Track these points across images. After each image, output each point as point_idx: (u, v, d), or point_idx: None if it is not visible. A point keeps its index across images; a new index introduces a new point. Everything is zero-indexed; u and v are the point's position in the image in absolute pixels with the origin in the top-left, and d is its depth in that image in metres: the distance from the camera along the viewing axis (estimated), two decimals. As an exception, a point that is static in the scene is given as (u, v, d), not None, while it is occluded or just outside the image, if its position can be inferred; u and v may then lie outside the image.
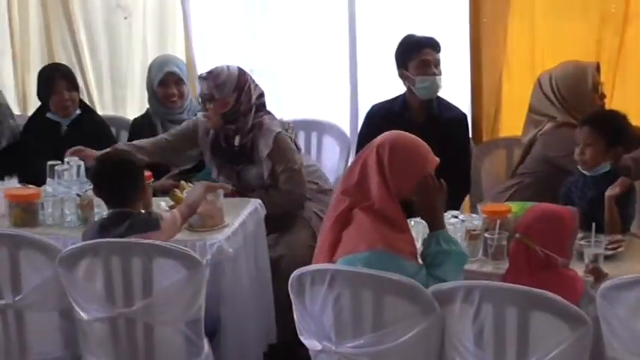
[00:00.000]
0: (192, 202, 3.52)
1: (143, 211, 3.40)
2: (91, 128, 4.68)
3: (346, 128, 4.93)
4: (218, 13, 5.19)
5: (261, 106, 4.22)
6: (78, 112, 4.71)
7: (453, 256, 3.02)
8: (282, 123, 4.26)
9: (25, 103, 5.54)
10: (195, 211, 3.53)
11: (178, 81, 4.68)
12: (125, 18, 5.31)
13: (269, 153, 4.12)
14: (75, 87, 4.72)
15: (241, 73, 4.18)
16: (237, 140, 4.17)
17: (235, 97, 4.13)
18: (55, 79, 4.69)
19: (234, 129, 4.16)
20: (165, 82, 4.66)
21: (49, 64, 5.05)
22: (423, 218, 3.11)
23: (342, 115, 5.00)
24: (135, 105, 5.32)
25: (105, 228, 3.25)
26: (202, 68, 5.09)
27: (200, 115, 4.34)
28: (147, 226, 3.22)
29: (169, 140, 4.34)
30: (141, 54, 5.30)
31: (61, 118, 4.70)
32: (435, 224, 3.07)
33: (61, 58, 5.32)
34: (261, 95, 4.23)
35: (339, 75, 5.02)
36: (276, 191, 4.17)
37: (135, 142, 4.32)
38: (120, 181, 3.29)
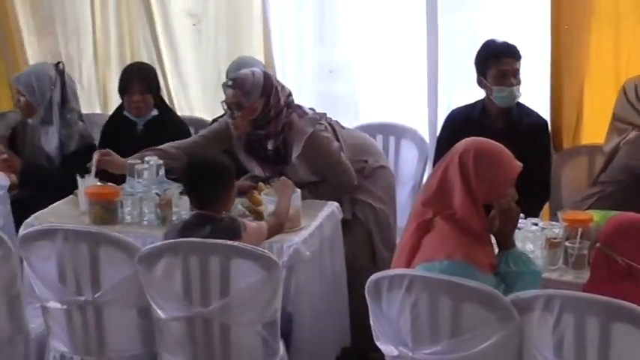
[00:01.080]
0: (279, 212, 3.52)
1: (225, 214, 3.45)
2: (167, 129, 4.73)
3: (424, 133, 4.91)
4: (295, 14, 5.21)
5: (290, 105, 4.14)
6: (155, 112, 4.78)
7: (524, 277, 2.99)
8: (312, 118, 4.15)
9: (105, 102, 5.66)
10: (284, 220, 3.51)
11: None
12: (194, 25, 5.38)
13: (300, 155, 4.08)
14: (150, 89, 4.76)
15: (267, 77, 4.10)
16: (270, 144, 4.12)
17: (263, 102, 4.04)
18: (130, 80, 4.77)
19: (264, 134, 4.09)
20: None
21: (131, 64, 5.14)
22: (494, 235, 3.09)
23: (420, 119, 4.97)
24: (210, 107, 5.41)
25: (187, 229, 3.28)
26: (281, 70, 5.17)
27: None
28: (227, 234, 3.21)
29: (202, 142, 4.32)
30: (213, 57, 5.38)
31: (136, 118, 4.79)
32: (505, 244, 3.05)
33: (142, 58, 5.42)
34: (290, 95, 4.15)
35: (418, 78, 4.98)
36: (325, 186, 4.16)
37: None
38: (210, 184, 3.31)
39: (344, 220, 4.11)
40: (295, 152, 4.08)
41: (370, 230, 4.24)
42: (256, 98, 4.03)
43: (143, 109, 4.78)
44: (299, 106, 4.18)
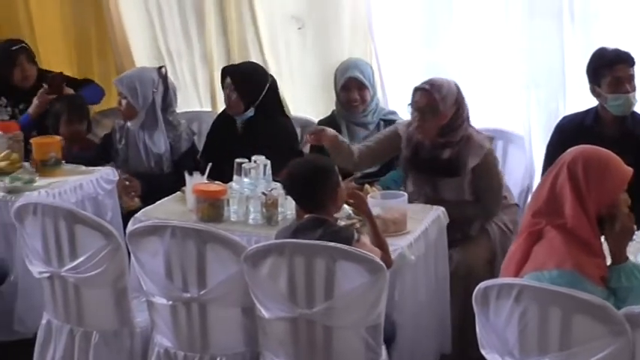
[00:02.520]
0: (382, 244, 3.44)
1: (339, 220, 3.46)
2: (265, 128, 4.79)
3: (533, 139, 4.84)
4: (401, 16, 5.19)
5: (469, 119, 4.22)
6: (251, 113, 4.83)
7: (637, 291, 2.91)
8: (488, 136, 4.25)
9: (214, 101, 5.75)
10: (387, 249, 3.46)
11: (360, 86, 4.72)
12: (299, 29, 5.42)
13: (475, 167, 4.12)
14: (240, 89, 4.81)
15: (458, 86, 4.18)
16: (446, 153, 4.16)
17: (454, 110, 4.14)
18: (223, 78, 4.88)
19: (443, 142, 4.17)
20: (347, 87, 4.73)
21: (236, 64, 5.21)
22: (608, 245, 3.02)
23: (523, 124, 4.90)
24: (314, 107, 5.45)
25: (299, 232, 3.30)
26: (387, 73, 5.17)
27: (400, 123, 4.40)
28: (337, 239, 3.18)
29: (373, 147, 4.40)
30: (317, 59, 5.41)
31: (236, 116, 4.85)
32: (618, 257, 2.97)
33: (249, 59, 5.47)
34: (468, 110, 4.22)
35: (522, 82, 4.91)
36: (476, 208, 4.20)
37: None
38: (311, 187, 3.33)
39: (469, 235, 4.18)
40: (471, 164, 4.11)
41: (495, 250, 4.23)
42: (450, 104, 4.12)
43: (234, 107, 4.85)
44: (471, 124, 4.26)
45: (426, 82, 4.16)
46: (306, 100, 5.51)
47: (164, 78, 4.97)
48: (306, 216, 3.37)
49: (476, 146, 4.14)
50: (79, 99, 5.34)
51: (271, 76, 4.98)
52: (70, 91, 5.44)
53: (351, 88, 4.73)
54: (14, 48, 5.41)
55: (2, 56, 5.39)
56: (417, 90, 4.17)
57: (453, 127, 4.14)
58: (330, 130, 4.29)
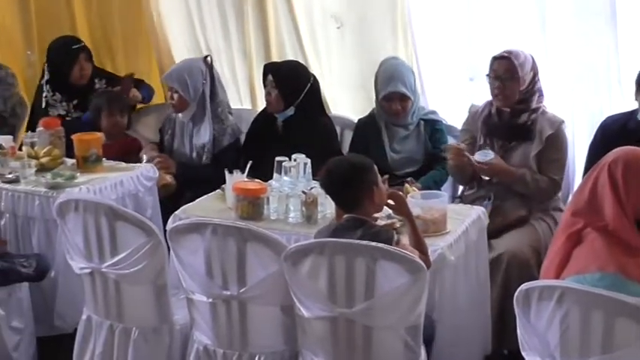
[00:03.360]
0: (421, 245, 3.45)
1: (379, 220, 3.46)
2: (306, 127, 4.80)
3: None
4: (441, 13, 5.17)
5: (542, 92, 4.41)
6: (291, 112, 4.85)
7: None
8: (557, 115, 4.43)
9: (254, 99, 5.77)
10: (427, 251, 3.46)
11: (403, 97, 4.71)
12: (338, 27, 5.42)
13: (548, 136, 4.29)
14: (279, 86, 4.84)
15: (532, 56, 4.40)
16: (523, 117, 4.36)
17: (531, 76, 4.36)
18: (265, 75, 4.91)
19: (521, 108, 4.37)
20: (389, 98, 4.72)
21: (278, 61, 5.23)
22: None
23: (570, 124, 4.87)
24: (353, 105, 5.45)
25: (338, 232, 3.30)
26: (426, 71, 5.15)
27: (471, 108, 4.52)
28: (376, 240, 3.18)
29: (470, 142, 4.50)
30: (356, 58, 5.41)
31: (276, 114, 4.88)
32: None
33: (288, 57, 5.51)
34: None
35: (569, 81, 4.89)
36: (542, 176, 4.33)
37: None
38: (348, 185, 3.33)
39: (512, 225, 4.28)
40: (547, 131, 4.31)
41: (540, 233, 4.29)
42: (527, 71, 4.35)
43: (274, 104, 4.87)
44: None
45: (503, 51, 4.37)
46: (345, 99, 5.51)
47: (210, 67, 5.04)
48: (346, 216, 3.37)
49: (551, 118, 4.37)
50: (117, 94, 5.44)
51: (313, 76, 4.99)
52: (136, 92, 5.60)
53: (394, 100, 4.72)
54: (75, 47, 5.55)
55: (63, 54, 5.51)
56: (495, 59, 4.38)
57: (531, 93, 4.36)
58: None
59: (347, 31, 5.42)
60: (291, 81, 4.89)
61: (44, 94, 5.52)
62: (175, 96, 5.00)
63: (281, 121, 4.93)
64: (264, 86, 4.96)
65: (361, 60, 5.37)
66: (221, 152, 4.97)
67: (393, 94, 4.69)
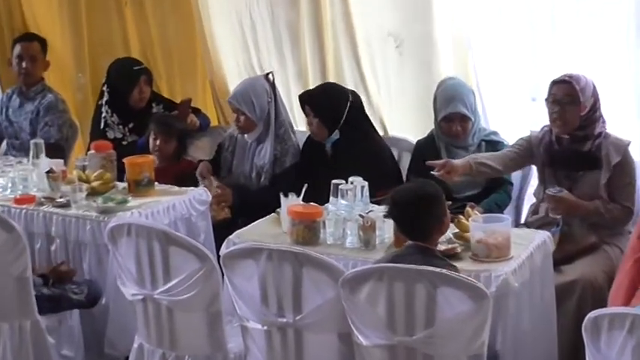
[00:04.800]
0: None
1: (439, 244, 3.44)
2: (354, 148, 4.82)
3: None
4: (501, 31, 5.15)
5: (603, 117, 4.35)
6: (336, 136, 4.88)
7: None
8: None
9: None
10: None
11: (463, 117, 4.69)
12: (397, 47, 5.41)
13: (617, 164, 4.23)
14: (320, 114, 4.88)
15: (593, 81, 4.34)
16: (586, 146, 4.29)
17: (592, 102, 4.30)
18: (302, 105, 4.97)
19: (583, 135, 4.31)
20: (449, 119, 4.69)
21: (311, 89, 5.28)
22: None
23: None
24: (412, 126, 5.42)
25: (399, 260, 3.29)
26: (487, 90, 5.12)
27: (532, 132, 4.46)
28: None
29: (513, 156, 4.49)
30: (415, 77, 5.39)
31: (322, 141, 4.91)
32: None
33: (344, 76, 5.54)
34: None
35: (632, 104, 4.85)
36: (615, 204, 4.27)
37: (480, 155, 4.48)
38: (417, 216, 3.34)
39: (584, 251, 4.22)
40: (615, 158, 4.25)
41: (612, 258, 4.23)
42: (588, 97, 4.29)
43: (318, 134, 4.92)
44: None
45: (564, 75, 4.31)
46: (403, 120, 5.50)
47: (273, 85, 5.07)
48: (407, 243, 3.37)
49: (615, 142, 4.30)
50: (169, 118, 5.46)
51: (352, 93, 5.00)
52: (194, 118, 5.65)
53: (454, 121, 4.70)
54: (136, 68, 5.61)
55: (124, 75, 5.57)
56: (555, 83, 4.32)
57: (592, 120, 4.28)
58: (456, 162, 4.33)
59: (406, 49, 5.41)
60: (328, 106, 4.92)
61: (103, 115, 5.58)
62: (242, 118, 5.03)
63: (329, 146, 4.94)
64: (305, 116, 4.97)
65: (420, 79, 5.36)
66: (282, 173, 4.98)
67: (453, 114, 4.67)
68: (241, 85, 5.21)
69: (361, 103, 5.04)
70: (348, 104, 4.91)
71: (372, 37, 5.51)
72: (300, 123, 5.76)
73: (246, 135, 5.09)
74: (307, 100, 4.97)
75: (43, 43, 5.82)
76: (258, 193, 4.94)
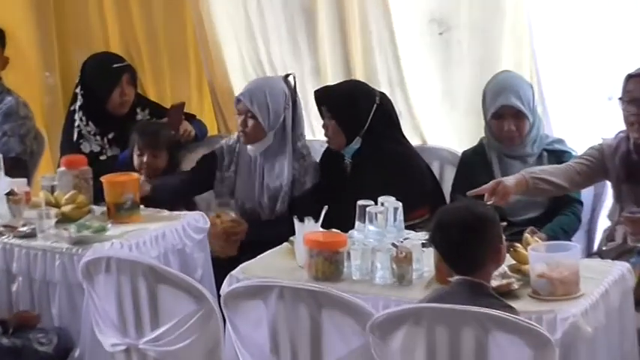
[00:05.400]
0: None
1: (493, 280, 3.47)
2: (378, 161, 4.84)
3: None
4: (567, 23, 5.16)
5: None
6: (356, 145, 4.91)
7: None
8: None
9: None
10: None
11: (518, 114, 4.71)
12: (440, 33, 5.43)
13: None
14: (339, 116, 4.90)
15: None
16: None
17: None
18: (318, 104, 5.01)
19: None
20: (500, 116, 4.71)
21: (330, 85, 5.30)
22: None
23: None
24: (458, 133, 5.47)
25: (441, 299, 3.30)
26: (551, 91, 5.14)
27: (604, 140, 4.49)
28: None
29: (581, 171, 4.49)
30: (463, 72, 5.43)
31: (339, 150, 4.95)
32: None
33: (376, 71, 5.56)
34: None
35: None
36: None
37: (539, 169, 4.48)
38: (467, 244, 3.33)
39: None
40: None
41: None
42: None
43: (334, 140, 4.96)
44: None
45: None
46: (448, 125, 5.54)
47: (293, 90, 5.09)
48: (455, 278, 3.37)
49: None
50: (156, 126, 5.51)
51: (380, 94, 5.03)
52: (188, 126, 5.68)
53: (506, 117, 4.73)
54: (117, 66, 5.64)
55: (101, 74, 5.62)
56: (630, 77, 4.33)
57: None
58: (509, 182, 4.31)
59: (453, 39, 5.44)
60: (348, 107, 4.95)
61: (76, 123, 5.61)
62: (250, 122, 5.02)
63: (349, 157, 4.97)
64: (321, 118, 5.02)
65: (470, 75, 5.39)
66: (302, 197, 4.97)
67: (504, 108, 4.71)
68: (255, 83, 5.26)
69: (391, 107, 5.06)
70: (374, 107, 4.94)
71: (410, 24, 5.52)
72: (318, 130, 5.78)
73: (250, 146, 5.09)
74: (324, 97, 5.01)
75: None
76: (276, 226, 4.89)
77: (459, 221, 3.38)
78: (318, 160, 5.22)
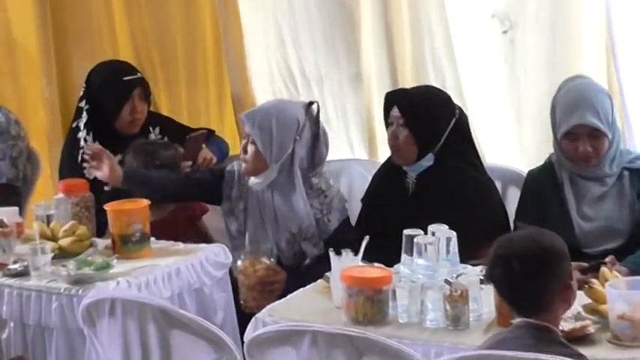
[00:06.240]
0: None
1: (564, 323, 3.46)
2: (449, 184, 4.83)
3: None
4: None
5: None
6: (428, 162, 4.89)
7: None
8: None
9: (371, 145, 5.85)
10: None
11: (593, 132, 4.69)
12: (504, 32, 5.43)
13: None
14: (414, 123, 4.87)
15: None
16: None
17: None
18: (389, 108, 4.96)
19: None
20: (573, 135, 4.70)
21: (407, 88, 5.28)
22: None
23: None
24: (522, 149, 5.48)
25: (503, 346, 3.28)
26: (632, 99, 5.14)
27: None
28: None
29: None
30: (530, 80, 5.43)
31: (406, 166, 4.92)
32: None
33: (428, 77, 5.59)
34: None
35: None
36: None
37: None
38: (534, 279, 3.30)
39: None
40: None
41: None
42: None
43: (403, 152, 4.91)
44: None
45: None
46: (511, 140, 5.55)
47: (315, 121, 5.02)
48: (518, 321, 3.35)
49: None
50: (154, 146, 5.51)
51: (459, 109, 5.02)
52: (207, 153, 5.68)
53: (580, 137, 4.69)
54: (128, 78, 5.66)
55: (111, 87, 5.64)
56: None
57: None
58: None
59: (518, 39, 5.44)
60: (427, 116, 4.92)
61: (80, 144, 5.60)
62: (250, 149, 4.98)
63: (413, 176, 4.97)
64: (388, 125, 5.00)
65: (537, 81, 5.39)
66: (333, 238, 4.89)
67: (578, 128, 4.68)
68: (266, 105, 5.18)
69: (468, 124, 5.05)
70: (453, 121, 4.95)
71: (468, 21, 5.54)
72: (358, 149, 5.80)
73: (252, 179, 5.03)
74: (400, 99, 4.97)
75: None
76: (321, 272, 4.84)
77: (523, 254, 3.34)
78: (364, 181, 5.27)
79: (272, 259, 4.77)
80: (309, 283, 4.43)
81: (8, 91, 6.16)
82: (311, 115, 5.01)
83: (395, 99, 5.01)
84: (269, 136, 4.93)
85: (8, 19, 6.40)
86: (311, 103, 5.05)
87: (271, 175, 4.98)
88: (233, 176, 5.19)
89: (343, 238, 4.79)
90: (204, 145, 5.71)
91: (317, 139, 5.00)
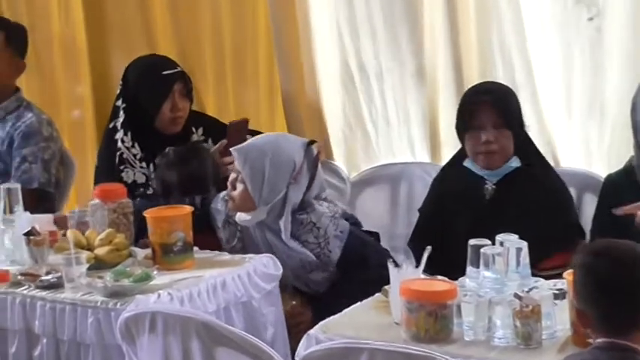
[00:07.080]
0: None
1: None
2: (531, 190, 4.86)
3: None
4: None
5: None
6: (515, 163, 4.90)
7: None
8: None
9: (434, 146, 5.86)
10: None
11: None
12: (590, 19, 5.39)
13: None
14: (507, 122, 4.89)
15: None
16: None
17: None
18: (477, 107, 4.94)
19: None
20: None
21: (482, 82, 5.31)
22: None
23: None
24: (603, 151, 5.50)
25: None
26: None
27: None
28: None
29: None
30: (614, 73, 5.41)
31: (483, 169, 4.92)
32: None
33: (494, 71, 5.60)
34: None
35: None
36: None
37: None
38: (623, 294, 3.23)
39: None
40: None
41: None
42: None
43: (495, 155, 4.91)
44: None
45: None
46: (590, 141, 5.55)
47: (313, 162, 5.03)
48: (600, 341, 3.31)
49: None
50: (191, 168, 5.49)
51: None
52: None
53: None
54: (167, 72, 5.69)
55: (149, 82, 5.67)
56: None
57: None
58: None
59: (606, 26, 5.39)
60: (516, 113, 4.97)
61: (118, 145, 5.65)
62: (239, 187, 5.00)
63: (492, 181, 5.00)
64: (475, 126, 4.97)
65: (622, 77, 5.37)
66: (349, 274, 4.95)
67: None
68: (261, 141, 5.16)
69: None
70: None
71: (545, 6, 5.50)
72: (420, 151, 5.80)
73: (238, 214, 5.05)
74: (493, 99, 4.96)
75: (12, 31, 5.97)
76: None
77: (609, 264, 3.26)
78: (425, 183, 5.30)
79: (296, 299, 4.91)
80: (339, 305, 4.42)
81: (38, 91, 6.16)
82: (310, 155, 5.03)
83: (484, 98, 5.00)
84: (260, 177, 4.97)
85: (49, 15, 6.43)
86: (311, 143, 5.08)
87: (259, 216, 5.02)
88: (221, 217, 5.27)
89: (362, 265, 4.92)
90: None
91: (312, 180, 5.03)
